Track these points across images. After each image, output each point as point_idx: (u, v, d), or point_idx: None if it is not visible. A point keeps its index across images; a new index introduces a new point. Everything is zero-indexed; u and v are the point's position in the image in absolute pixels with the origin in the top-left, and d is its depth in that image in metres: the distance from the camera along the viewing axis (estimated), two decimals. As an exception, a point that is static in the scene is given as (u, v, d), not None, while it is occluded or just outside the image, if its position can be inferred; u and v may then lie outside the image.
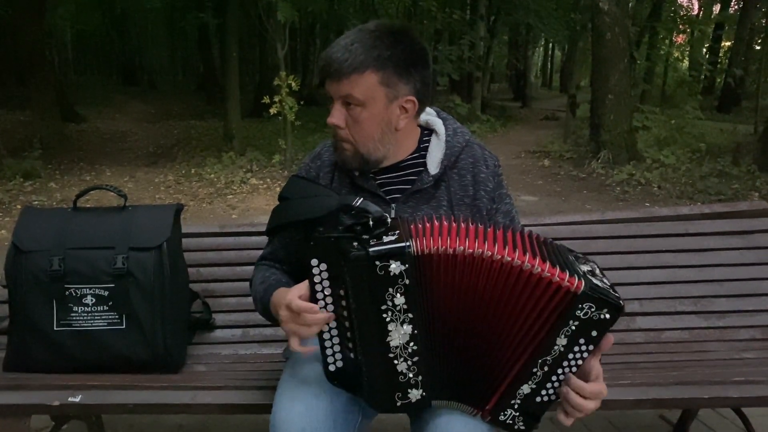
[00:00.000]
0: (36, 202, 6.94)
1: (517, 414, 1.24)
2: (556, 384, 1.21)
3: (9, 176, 8.04)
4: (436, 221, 1.25)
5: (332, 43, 1.39)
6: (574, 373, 1.20)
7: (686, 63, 23.13)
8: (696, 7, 23.91)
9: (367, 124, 1.40)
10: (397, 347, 1.21)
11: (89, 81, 26.56)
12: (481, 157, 1.53)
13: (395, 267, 1.15)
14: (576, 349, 1.17)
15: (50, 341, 1.74)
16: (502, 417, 1.24)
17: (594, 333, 1.15)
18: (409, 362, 1.22)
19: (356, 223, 1.25)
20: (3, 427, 1.61)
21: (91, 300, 1.74)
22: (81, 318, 1.74)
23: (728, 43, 21.25)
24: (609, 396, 1.56)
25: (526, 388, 1.21)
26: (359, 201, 1.34)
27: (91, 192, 2.00)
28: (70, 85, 20.13)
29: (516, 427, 1.25)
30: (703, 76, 18.64)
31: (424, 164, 1.50)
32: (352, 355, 1.27)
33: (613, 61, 8.90)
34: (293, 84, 7.92)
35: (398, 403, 1.25)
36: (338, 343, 1.28)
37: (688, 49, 23.65)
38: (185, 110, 18.06)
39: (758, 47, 18.41)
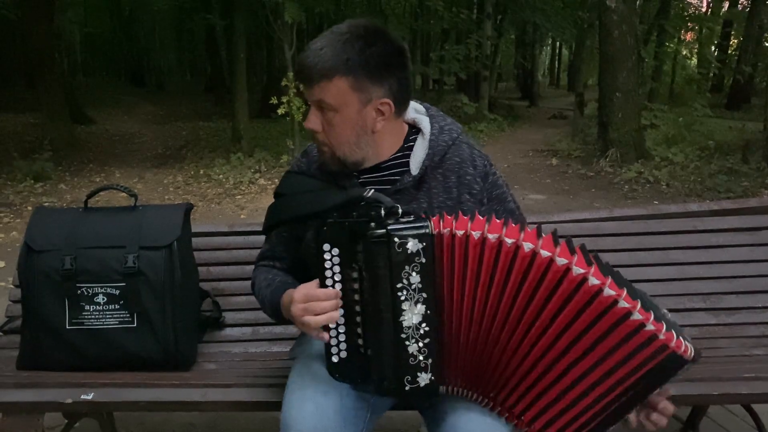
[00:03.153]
0: (46, 204, 6.99)
1: None
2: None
3: (20, 178, 8.10)
4: (461, 215, 1.24)
5: (306, 47, 1.36)
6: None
7: (695, 61, 22.99)
8: (704, 4, 23.80)
9: (341, 128, 1.38)
10: (409, 327, 1.22)
11: (98, 83, 26.68)
12: (468, 158, 1.49)
13: (413, 245, 1.19)
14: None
15: (62, 340, 1.76)
16: None
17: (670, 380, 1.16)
18: (420, 344, 1.23)
19: (369, 210, 1.27)
20: (17, 424, 1.62)
21: (103, 299, 1.75)
22: (93, 317, 1.76)
23: (737, 41, 21.12)
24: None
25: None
26: (371, 191, 1.34)
27: (102, 192, 2.02)
28: (79, 87, 20.25)
29: None
30: (711, 74, 18.52)
31: (408, 164, 1.47)
32: (360, 341, 1.28)
33: (620, 59, 8.86)
34: (301, 85, 7.93)
35: (407, 387, 1.25)
36: (343, 332, 1.29)
37: (697, 46, 23.52)
38: (193, 111, 18.12)
39: (767, 44, 18.29)
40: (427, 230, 1.20)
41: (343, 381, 1.33)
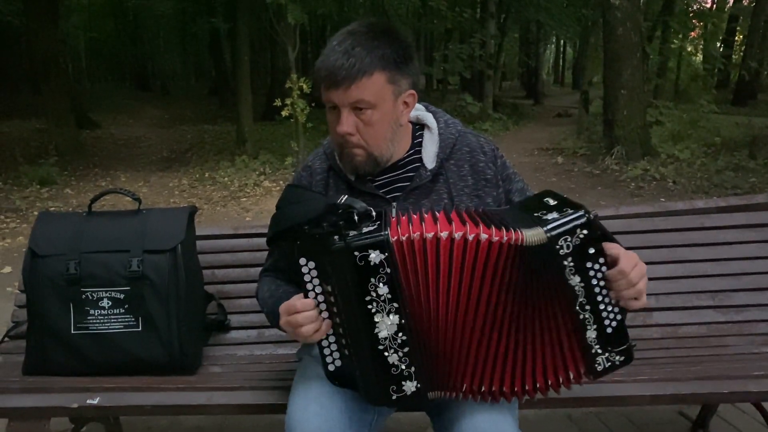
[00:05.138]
0: (52, 208, 7.01)
1: (606, 354, 1.25)
2: (609, 306, 1.24)
3: (26, 183, 8.14)
4: (423, 212, 1.27)
5: (325, 52, 1.36)
6: (607, 287, 1.23)
7: (700, 57, 22.90)
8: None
9: (380, 125, 1.39)
10: (385, 338, 1.21)
11: (103, 88, 26.81)
12: (477, 146, 1.53)
13: (375, 256, 1.17)
14: (592, 273, 1.21)
15: (68, 344, 1.75)
16: (599, 367, 1.26)
17: (591, 251, 1.19)
18: (400, 353, 1.22)
19: (340, 218, 1.25)
20: (23, 429, 1.63)
21: (107, 303, 1.75)
22: (98, 321, 1.76)
23: (742, 36, 21.03)
24: (626, 392, 1.56)
25: (591, 333, 1.23)
26: (344, 198, 1.32)
27: (106, 196, 2.01)
28: (84, 92, 20.33)
29: (617, 362, 1.26)
30: (717, 70, 18.42)
31: (420, 160, 1.49)
32: (347, 352, 1.28)
33: (625, 56, 8.83)
34: (304, 86, 7.93)
35: (393, 397, 1.25)
36: (335, 342, 1.29)
37: (702, 42, 23.41)
38: (198, 115, 18.17)
39: (773, 39, 18.19)
40: (387, 238, 1.18)
41: (343, 387, 1.32)
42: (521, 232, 1.18)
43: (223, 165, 9.46)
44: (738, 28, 21.43)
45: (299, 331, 1.27)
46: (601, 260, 1.21)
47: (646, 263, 2.02)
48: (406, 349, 1.22)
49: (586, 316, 1.22)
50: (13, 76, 17.70)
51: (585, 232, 1.18)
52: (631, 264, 1.22)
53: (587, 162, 9.32)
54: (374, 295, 1.19)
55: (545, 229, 1.18)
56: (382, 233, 1.18)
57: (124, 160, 10.97)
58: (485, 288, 1.21)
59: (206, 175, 9.00)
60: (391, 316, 1.20)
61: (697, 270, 2.05)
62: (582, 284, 1.20)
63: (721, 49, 20.71)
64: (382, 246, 1.17)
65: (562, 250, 1.18)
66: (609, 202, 6.85)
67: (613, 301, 1.23)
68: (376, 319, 1.20)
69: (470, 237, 1.18)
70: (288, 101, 7.95)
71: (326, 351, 1.29)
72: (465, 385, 1.27)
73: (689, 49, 22.17)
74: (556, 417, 2.42)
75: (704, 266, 2.05)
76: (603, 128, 9.67)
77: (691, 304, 2.01)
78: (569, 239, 1.17)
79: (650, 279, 1.99)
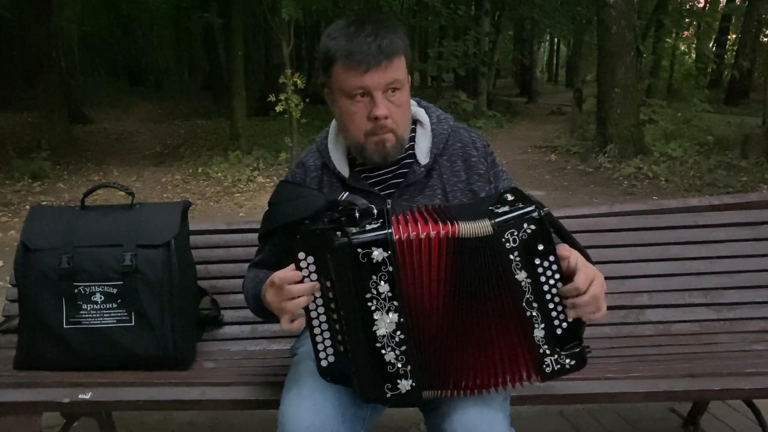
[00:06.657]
0: (44, 203, 6.97)
1: (556, 356, 1.24)
2: (559, 307, 1.22)
3: (17, 177, 8.10)
4: (420, 210, 1.27)
5: (345, 39, 1.34)
6: (560, 287, 1.21)
7: (693, 56, 22.97)
8: (702, -1, 23.74)
9: (405, 106, 1.42)
10: (384, 336, 1.21)
11: (96, 82, 26.63)
12: (469, 141, 1.53)
13: (378, 254, 1.17)
14: (540, 271, 1.20)
15: (60, 339, 1.75)
16: (548, 369, 1.24)
17: (540, 247, 1.18)
18: (397, 352, 1.22)
19: (342, 215, 1.25)
20: (15, 424, 1.62)
21: (100, 297, 1.75)
22: (90, 316, 1.75)
23: (735, 36, 21.11)
24: (619, 389, 1.56)
25: (539, 332, 1.22)
26: (345, 195, 1.33)
27: (99, 191, 2.00)
28: (77, 87, 20.16)
29: (567, 366, 1.25)
30: (709, 69, 18.50)
31: (413, 156, 1.49)
32: (342, 348, 1.28)
33: (619, 54, 8.85)
34: (298, 82, 7.92)
35: (388, 395, 1.25)
36: (329, 338, 1.28)
37: (695, 41, 23.49)
38: (191, 110, 18.10)
39: (766, 39, 18.27)
40: (391, 236, 1.18)
41: (335, 383, 1.32)
42: (459, 224, 1.18)
43: (216, 160, 9.43)
44: (731, 27, 21.49)
45: (290, 305, 1.25)
46: (551, 258, 1.20)
47: (639, 261, 2.07)
48: (403, 348, 1.22)
49: (534, 313, 1.21)
50: (6, 69, 17.54)
51: (533, 227, 1.18)
52: (587, 279, 1.21)
53: (580, 160, 9.34)
54: (375, 292, 1.19)
55: (492, 222, 1.18)
56: (387, 231, 1.18)
57: (116, 154, 10.92)
58: (441, 283, 1.21)
59: (199, 170, 8.97)
60: (390, 314, 1.20)
61: (689, 268, 2.06)
62: (529, 280, 1.20)
63: (714, 49, 20.79)
64: (386, 244, 1.17)
65: (508, 244, 1.18)
66: (602, 200, 6.87)
67: (560, 301, 1.23)
68: (375, 317, 1.20)
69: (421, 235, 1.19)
70: (282, 97, 7.93)
71: (320, 347, 1.29)
72: (452, 381, 1.27)
73: (682, 48, 22.24)
74: (549, 413, 2.42)
75: (697, 264, 2.06)
76: (596, 126, 9.69)
77: (684, 301, 2.02)
78: (516, 233, 1.17)
79: (643, 277, 2.04)
